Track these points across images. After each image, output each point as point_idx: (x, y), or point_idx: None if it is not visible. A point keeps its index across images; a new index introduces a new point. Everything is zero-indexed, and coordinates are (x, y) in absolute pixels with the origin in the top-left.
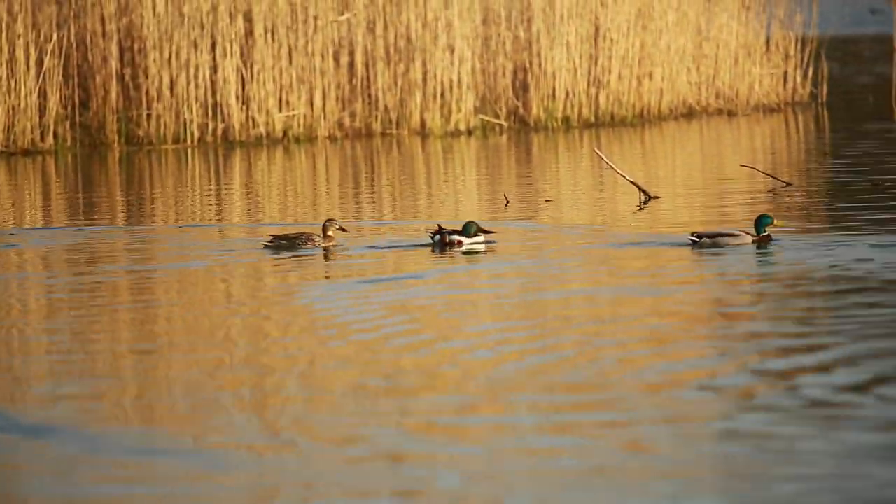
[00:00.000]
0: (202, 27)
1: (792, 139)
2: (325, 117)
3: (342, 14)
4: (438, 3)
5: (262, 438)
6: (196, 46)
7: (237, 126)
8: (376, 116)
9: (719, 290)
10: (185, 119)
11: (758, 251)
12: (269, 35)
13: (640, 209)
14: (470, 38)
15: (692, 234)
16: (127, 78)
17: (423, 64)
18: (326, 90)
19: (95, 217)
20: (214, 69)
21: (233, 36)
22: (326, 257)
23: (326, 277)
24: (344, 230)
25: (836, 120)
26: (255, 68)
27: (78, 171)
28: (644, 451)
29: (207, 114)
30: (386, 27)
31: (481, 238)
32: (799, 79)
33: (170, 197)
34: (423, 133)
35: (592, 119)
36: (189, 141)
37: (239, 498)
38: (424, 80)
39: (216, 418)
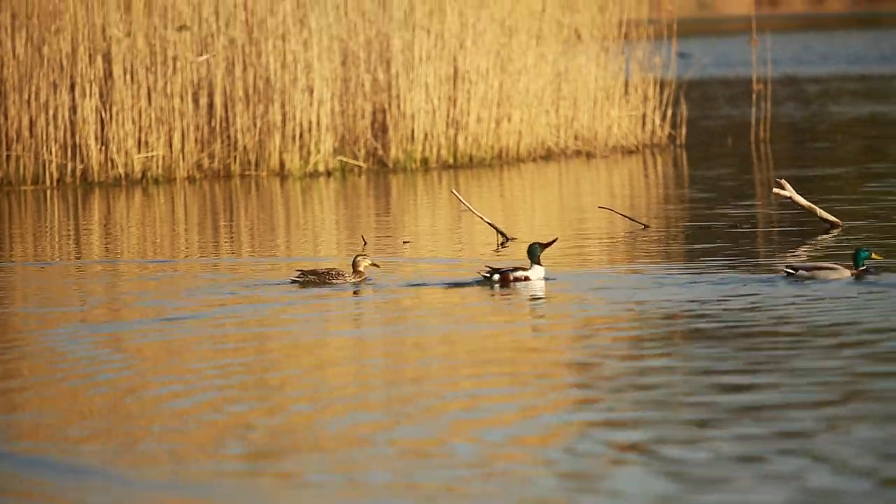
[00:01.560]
0: (62, 68)
1: (650, 181)
2: (183, 158)
3: (201, 55)
4: (298, 44)
5: None
6: (55, 87)
7: (96, 167)
8: (235, 157)
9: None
10: (44, 160)
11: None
12: (128, 76)
13: (498, 251)
14: (329, 79)
15: (787, 267)
16: None
17: (283, 105)
18: (185, 131)
19: None
20: (74, 110)
21: (92, 77)
22: (355, 293)
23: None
24: (376, 266)
25: (695, 161)
26: (114, 109)
27: None
28: None
29: (67, 155)
30: (245, 68)
31: (542, 272)
32: (657, 121)
33: (28, 236)
34: (283, 174)
35: (451, 161)
36: (48, 182)
37: None
38: (283, 121)
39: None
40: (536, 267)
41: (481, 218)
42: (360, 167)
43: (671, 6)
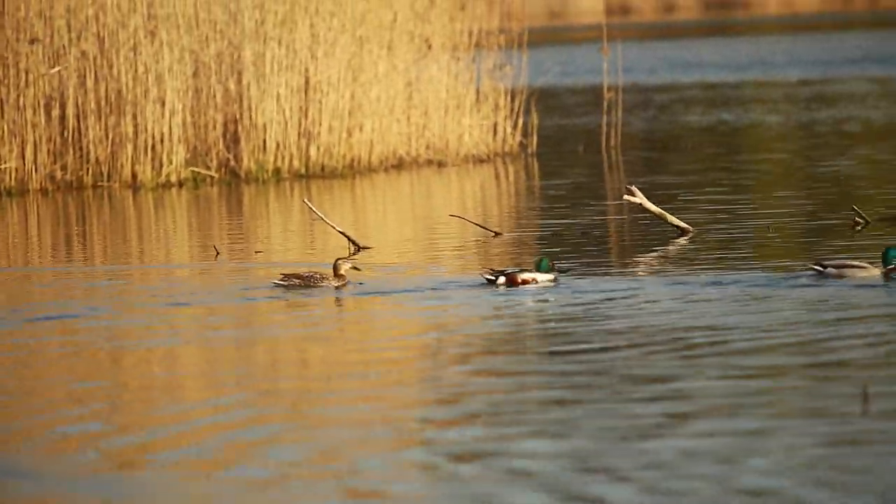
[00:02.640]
0: None
1: (502, 189)
2: (36, 170)
3: (53, 67)
4: (149, 56)
5: None
6: None
7: None
8: (88, 169)
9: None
10: None
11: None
12: None
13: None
14: (181, 90)
15: (815, 264)
16: None
17: (134, 117)
18: (38, 143)
19: None
20: None
21: None
22: (337, 298)
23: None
24: (357, 269)
25: (546, 169)
26: None
27: None
28: None
29: None
30: (97, 80)
31: (552, 276)
32: (509, 129)
33: None
34: (135, 185)
35: (303, 171)
36: None
37: None
38: (135, 132)
39: None
40: (541, 274)
41: (333, 227)
42: (212, 178)
43: (522, 15)
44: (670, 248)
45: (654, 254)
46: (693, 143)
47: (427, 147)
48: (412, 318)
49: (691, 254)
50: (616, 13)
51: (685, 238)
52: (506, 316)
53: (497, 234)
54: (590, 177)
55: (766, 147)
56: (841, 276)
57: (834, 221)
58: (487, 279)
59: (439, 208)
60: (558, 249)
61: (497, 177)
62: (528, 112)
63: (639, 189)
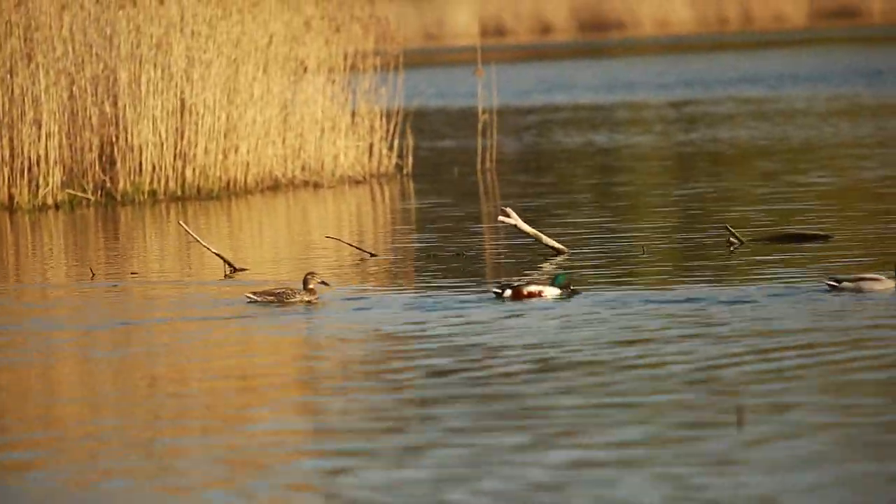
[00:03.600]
0: None
1: (378, 210)
2: None
3: None
4: (25, 78)
5: None
6: None
7: None
8: None
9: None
10: None
11: None
12: None
13: (224, 280)
14: (57, 112)
15: (830, 280)
16: None
17: (11, 139)
18: None
19: None
20: None
21: None
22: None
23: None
24: (326, 284)
25: (422, 191)
26: None
27: None
28: None
29: None
30: None
31: (559, 292)
32: (384, 151)
33: None
34: (11, 208)
35: (179, 192)
36: None
37: None
38: (12, 154)
39: None
40: (551, 288)
41: (208, 248)
42: (88, 200)
43: (397, 37)
44: (545, 268)
45: (528, 275)
46: (570, 164)
47: (303, 168)
48: (280, 337)
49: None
50: (491, 35)
51: (560, 259)
52: (367, 335)
53: (372, 255)
54: (465, 198)
55: (640, 168)
56: (858, 290)
57: (707, 241)
58: (495, 292)
59: (315, 229)
60: (432, 271)
61: (373, 198)
62: (403, 134)
63: (514, 210)
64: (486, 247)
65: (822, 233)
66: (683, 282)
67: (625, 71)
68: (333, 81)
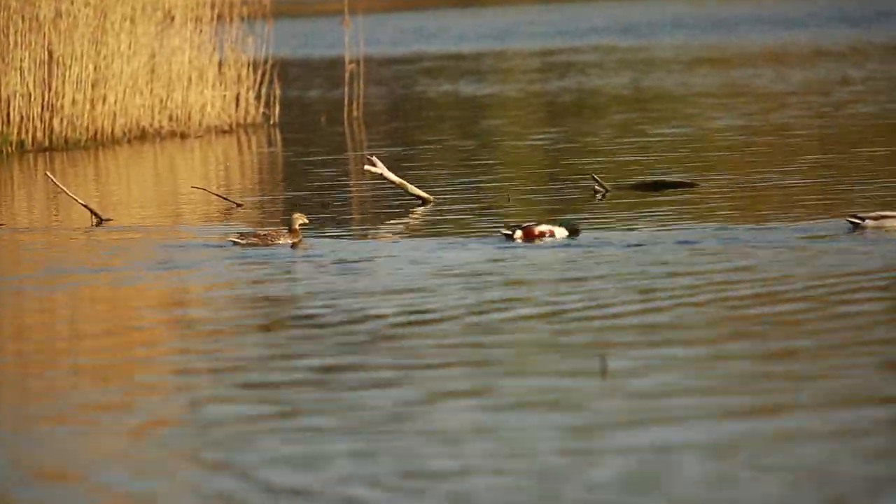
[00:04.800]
0: None
1: (245, 160)
2: None
3: None
4: None
5: None
6: None
7: None
8: None
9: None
10: None
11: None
12: None
13: (89, 231)
14: None
15: (852, 216)
16: None
17: None
18: None
19: None
20: None
21: None
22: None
23: None
24: (306, 223)
25: (289, 141)
26: None
27: None
28: None
29: None
30: None
31: (566, 233)
32: (251, 100)
33: None
34: None
35: (47, 143)
36: None
37: None
38: None
39: None
40: (560, 228)
41: (75, 199)
42: None
43: None
44: (410, 217)
45: (393, 222)
46: (437, 114)
47: (170, 118)
48: (150, 291)
49: (429, 223)
50: None
51: (426, 208)
52: (239, 282)
53: (239, 205)
54: (332, 147)
55: (507, 117)
56: (880, 227)
57: (574, 190)
58: (505, 234)
59: (182, 179)
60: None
61: (240, 148)
62: (271, 84)
63: (380, 160)
64: (353, 195)
65: (686, 180)
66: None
67: (495, 20)
68: (200, 31)
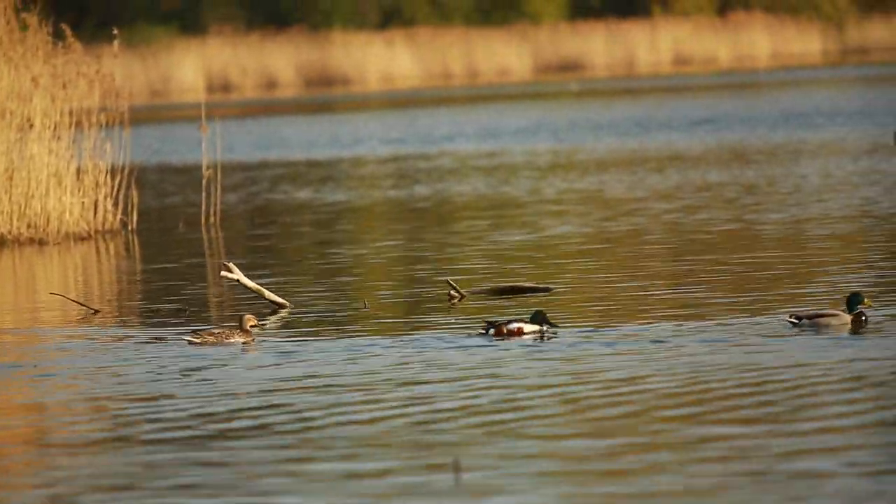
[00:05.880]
0: None
1: (103, 267)
2: None
3: None
4: None
5: None
6: None
7: None
8: None
9: None
10: None
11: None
12: None
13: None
14: None
15: (791, 316)
16: None
17: None
18: None
19: None
20: None
21: None
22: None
23: None
24: (260, 325)
25: (147, 247)
26: None
27: None
28: None
29: None
30: None
31: (537, 328)
32: (109, 207)
33: None
34: None
35: None
36: None
37: None
38: None
39: None
40: (532, 325)
41: None
42: None
43: (123, 94)
44: (269, 321)
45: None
46: (294, 219)
47: (28, 225)
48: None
49: (286, 327)
50: (218, 91)
51: (282, 313)
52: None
53: (96, 311)
54: (189, 254)
55: (364, 223)
56: (815, 325)
57: (430, 295)
58: (481, 332)
59: (41, 286)
60: (158, 326)
61: (98, 254)
62: (128, 190)
63: (236, 266)
64: (210, 301)
65: (541, 285)
66: (406, 333)
67: (350, 126)
68: (59, 138)
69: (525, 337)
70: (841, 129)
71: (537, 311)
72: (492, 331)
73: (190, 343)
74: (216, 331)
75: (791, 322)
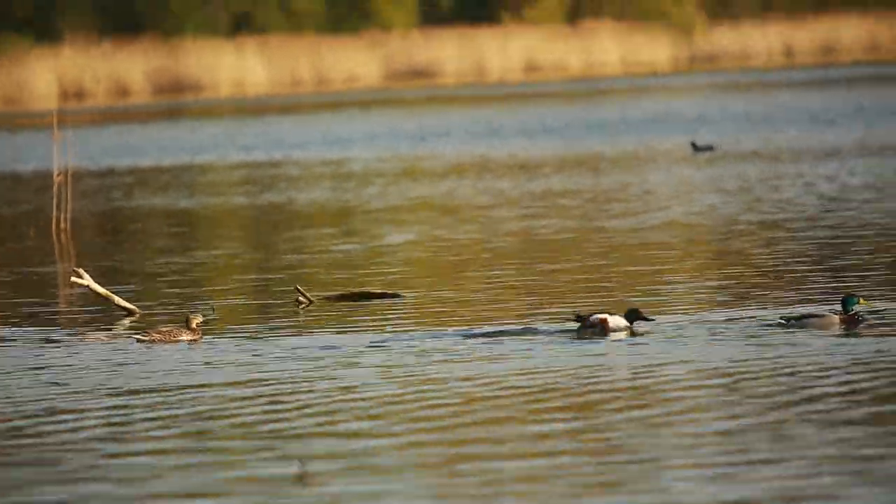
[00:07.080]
0: None
1: None
2: None
3: None
4: None
5: None
6: None
7: None
8: None
9: None
10: None
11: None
12: None
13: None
14: None
15: (781, 318)
16: None
17: None
18: None
19: None
20: None
21: None
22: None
23: None
24: (207, 317)
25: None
26: None
27: None
28: None
29: None
30: None
31: (624, 323)
32: None
33: None
34: None
35: None
36: None
37: None
38: None
39: None
40: (619, 318)
41: None
42: None
43: None
44: (116, 327)
45: (101, 333)
46: (149, 226)
47: None
48: None
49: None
50: (72, 98)
51: (131, 319)
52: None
53: None
54: (40, 261)
55: (213, 229)
56: (803, 327)
57: (279, 301)
58: (574, 320)
59: None
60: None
61: None
62: None
63: (88, 272)
64: (60, 307)
65: (390, 292)
66: (250, 338)
67: (201, 133)
68: None
69: (612, 334)
70: (656, 138)
71: (631, 309)
72: (593, 323)
73: (139, 342)
74: (164, 329)
75: (780, 323)
